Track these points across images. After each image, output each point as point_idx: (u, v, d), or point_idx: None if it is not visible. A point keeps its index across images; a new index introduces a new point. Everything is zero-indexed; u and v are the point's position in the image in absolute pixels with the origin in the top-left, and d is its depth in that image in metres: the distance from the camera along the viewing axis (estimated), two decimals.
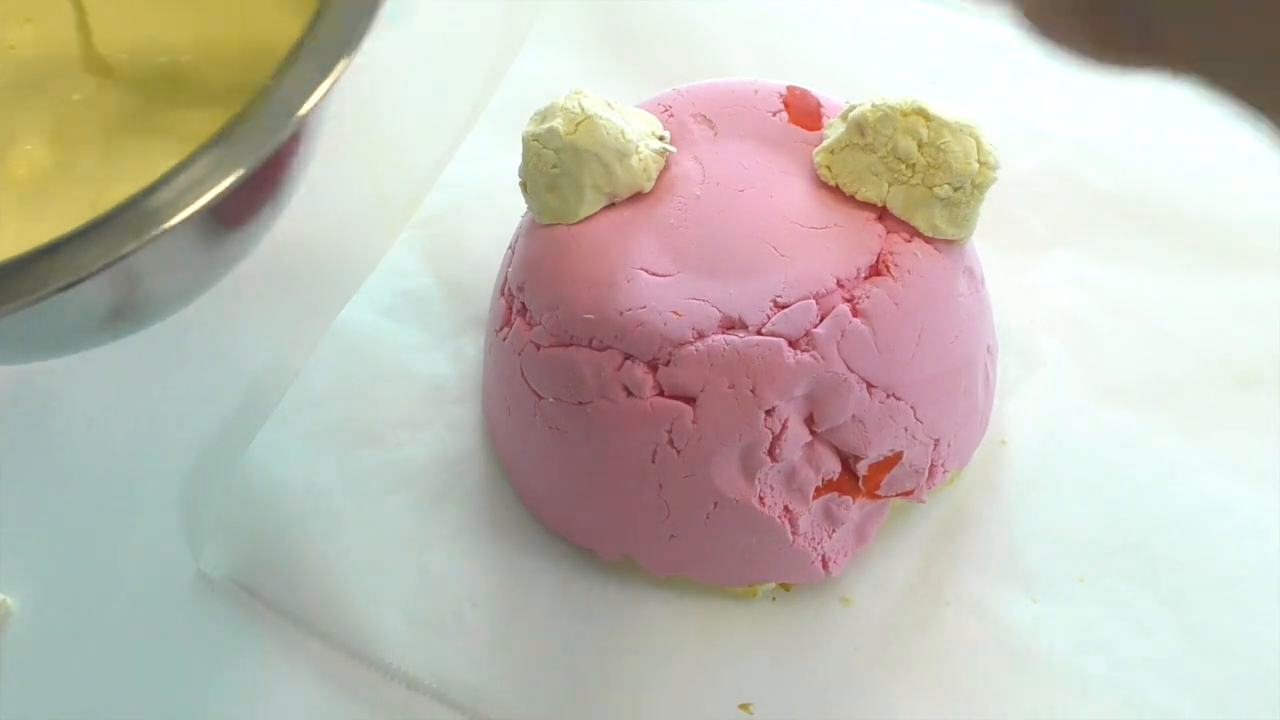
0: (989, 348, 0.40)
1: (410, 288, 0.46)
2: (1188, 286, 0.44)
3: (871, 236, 0.36)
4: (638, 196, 0.37)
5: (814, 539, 0.37)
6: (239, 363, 0.45)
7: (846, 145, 0.36)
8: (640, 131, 0.37)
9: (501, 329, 0.39)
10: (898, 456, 0.37)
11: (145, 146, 0.35)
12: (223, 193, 0.25)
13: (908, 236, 0.36)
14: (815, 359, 0.34)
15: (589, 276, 0.36)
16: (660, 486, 0.36)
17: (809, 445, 0.36)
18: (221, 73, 0.36)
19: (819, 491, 0.37)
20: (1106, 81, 0.55)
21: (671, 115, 0.39)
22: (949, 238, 0.37)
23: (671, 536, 0.37)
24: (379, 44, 0.55)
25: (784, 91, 0.40)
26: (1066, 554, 0.39)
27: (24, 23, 0.37)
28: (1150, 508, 0.40)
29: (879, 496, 0.38)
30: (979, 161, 0.35)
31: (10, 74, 0.37)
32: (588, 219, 0.37)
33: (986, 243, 0.41)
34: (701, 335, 0.35)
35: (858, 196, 0.36)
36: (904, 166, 0.35)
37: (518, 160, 0.37)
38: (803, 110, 0.39)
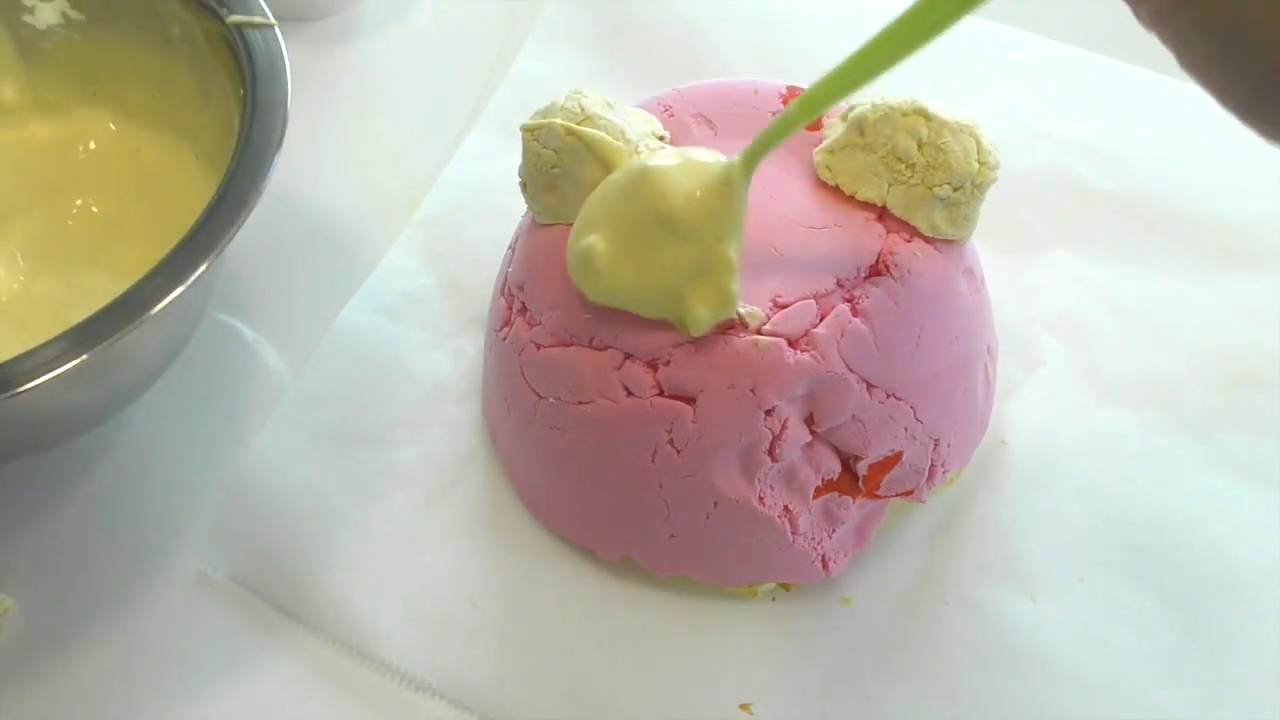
0: (989, 348, 0.40)
1: (410, 288, 0.46)
2: (1188, 286, 0.45)
3: (871, 236, 0.36)
4: None
5: (814, 539, 0.37)
6: (239, 363, 0.45)
7: (846, 145, 0.36)
8: (640, 131, 0.37)
9: (501, 329, 0.39)
10: (898, 456, 0.37)
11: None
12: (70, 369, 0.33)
13: (908, 236, 0.36)
14: (815, 359, 0.34)
15: None
16: (660, 486, 0.36)
17: (809, 445, 0.36)
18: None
19: (819, 491, 0.37)
20: (1106, 82, 0.55)
21: (671, 115, 0.39)
22: (949, 238, 0.37)
23: (671, 536, 0.37)
24: (379, 44, 0.55)
25: (784, 91, 0.40)
26: (1066, 554, 0.39)
27: None
28: (1150, 508, 0.40)
29: (879, 496, 0.38)
30: (979, 161, 0.35)
31: None
32: None
33: (986, 243, 0.41)
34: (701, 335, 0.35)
35: (858, 196, 0.36)
36: (904, 166, 0.35)
37: (518, 160, 0.37)
38: None
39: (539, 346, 0.37)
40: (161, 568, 0.41)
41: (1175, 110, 0.49)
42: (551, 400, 0.37)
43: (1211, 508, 0.40)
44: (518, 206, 0.39)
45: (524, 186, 0.38)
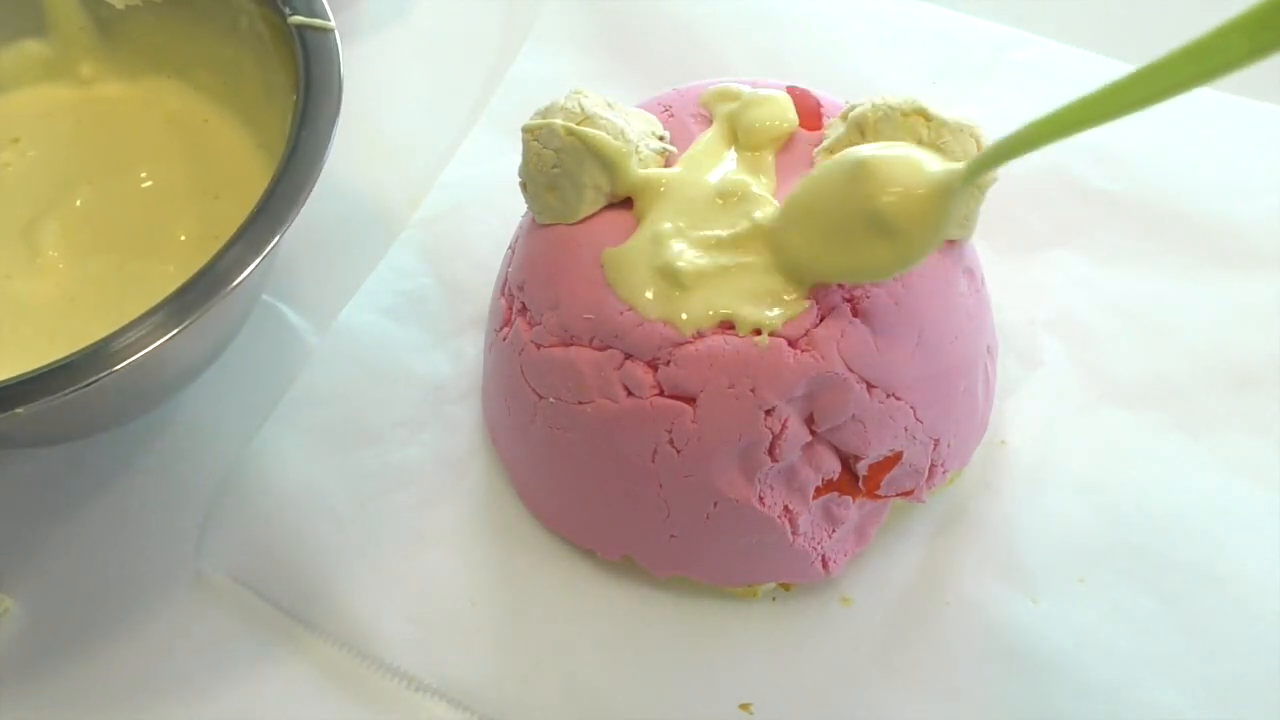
0: (989, 348, 0.40)
1: (410, 288, 0.46)
2: (1188, 286, 0.44)
3: None
4: None
5: (814, 539, 0.37)
6: (239, 363, 0.45)
7: (847, 145, 0.36)
8: (640, 131, 0.37)
9: (502, 329, 0.39)
10: (898, 456, 0.37)
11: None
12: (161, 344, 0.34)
13: None
14: (815, 359, 0.34)
15: (589, 276, 0.36)
16: (660, 486, 0.36)
17: (809, 445, 0.36)
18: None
19: (819, 491, 0.37)
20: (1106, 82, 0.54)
21: (671, 115, 0.39)
22: (949, 237, 0.37)
23: (671, 536, 0.37)
24: (379, 44, 0.55)
25: (784, 91, 0.40)
26: (1066, 554, 0.39)
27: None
28: (1150, 508, 0.40)
29: (879, 496, 0.38)
30: None
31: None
32: (588, 219, 0.37)
33: (986, 243, 0.41)
34: (701, 335, 0.35)
35: None
36: None
37: (518, 160, 0.37)
38: (803, 110, 0.39)
39: (539, 346, 0.37)
40: (161, 567, 0.41)
41: (1175, 110, 0.48)
42: (551, 400, 0.37)
43: (1211, 508, 0.40)
44: (518, 206, 0.39)
45: (524, 186, 0.38)
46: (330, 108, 0.39)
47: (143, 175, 0.46)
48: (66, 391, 0.33)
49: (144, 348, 0.34)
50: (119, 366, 0.33)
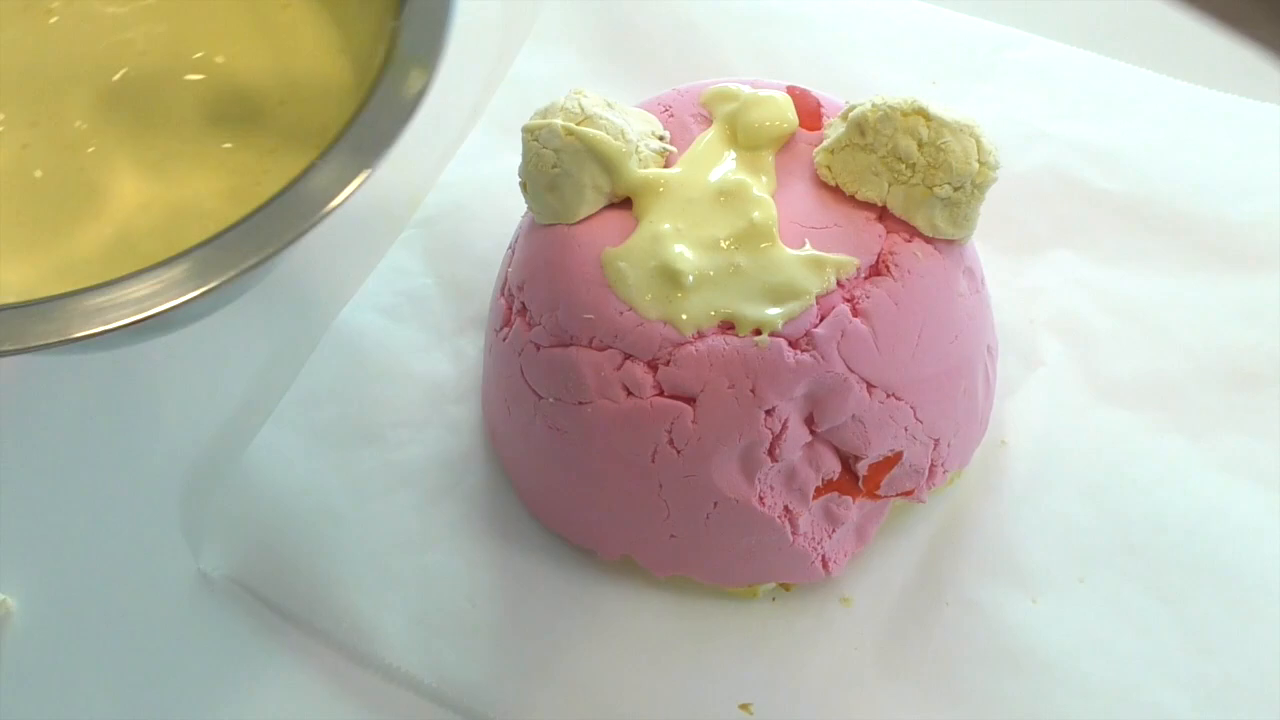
0: (989, 348, 0.40)
1: (410, 288, 0.46)
2: (1188, 286, 0.44)
3: (871, 236, 0.36)
4: None
5: (814, 539, 0.37)
6: (239, 363, 0.45)
7: (846, 145, 0.36)
8: (640, 131, 0.37)
9: (501, 329, 0.39)
10: (898, 456, 0.37)
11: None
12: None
13: (908, 236, 0.36)
14: (815, 359, 0.34)
15: (589, 276, 0.36)
16: (660, 486, 0.36)
17: (809, 445, 0.36)
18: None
19: (819, 491, 0.37)
20: (1106, 82, 0.55)
21: (671, 115, 0.39)
22: (949, 238, 0.37)
23: (671, 536, 0.37)
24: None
25: (784, 91, 0.40)
26: (1066, 554, 0.39)
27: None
28: (1150, 508, 0.40)
29: (879, 496, 0.38)
30: (979, 161, 0.35)
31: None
32: (588, 219, 0.37)
33: (986, 243, 0.41)
34: (701, 335, 0.35)
35: (858, 196, 0.36)
36: (904, 166, 0.35)
37: (518, 160, 0.37)
38: (803, 110, 0.39)
39: (539, 346, 0.37)
40: (161, 568, 0.41)
41: (1175, 110, 0.49)
42: (551, 400, 0.37)
43: (1211, 508, 0.40)
44: (518, 206, 0.39)
45: (524, 186, 0.38)
46: (442, 9, 0.32)
47: (198, 57, 0.38)
48: (54, 344, 0.27)
49: (153, 306, 0.28)
50: (120, 324, 0.27)
